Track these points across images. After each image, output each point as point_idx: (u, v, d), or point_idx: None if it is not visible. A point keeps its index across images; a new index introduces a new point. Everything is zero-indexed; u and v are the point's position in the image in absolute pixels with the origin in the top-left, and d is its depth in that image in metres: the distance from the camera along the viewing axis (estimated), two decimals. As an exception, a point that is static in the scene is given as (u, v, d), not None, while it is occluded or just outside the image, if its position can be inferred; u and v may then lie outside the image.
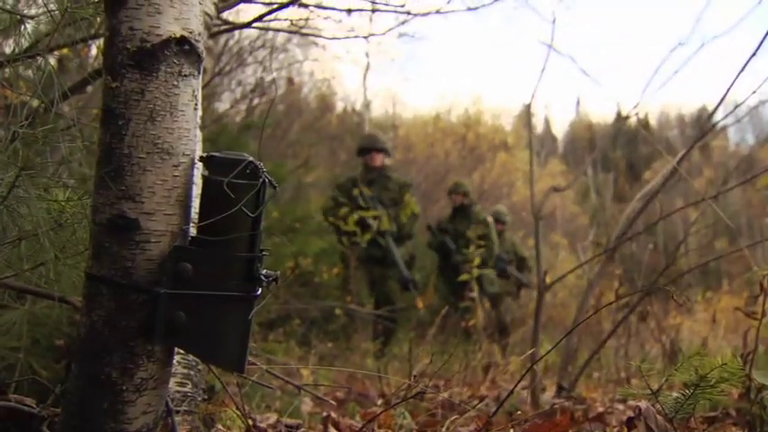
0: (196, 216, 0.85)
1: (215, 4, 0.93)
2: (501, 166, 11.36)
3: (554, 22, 2.99)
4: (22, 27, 1.18)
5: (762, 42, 2.12)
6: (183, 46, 0.82)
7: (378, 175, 5.82)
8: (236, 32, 5.54)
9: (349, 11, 2.25)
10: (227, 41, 6.18)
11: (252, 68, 6.83)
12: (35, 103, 1.23)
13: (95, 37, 1.33)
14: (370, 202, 5.60)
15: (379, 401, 2.37)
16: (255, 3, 1.68)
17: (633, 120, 3.25)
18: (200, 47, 0.85)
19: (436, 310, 4.98)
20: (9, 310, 1.47)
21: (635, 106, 2.99)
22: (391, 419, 1.74)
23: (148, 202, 0.80)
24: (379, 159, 5.85)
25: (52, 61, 1.34)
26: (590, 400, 2.61)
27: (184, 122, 0.83)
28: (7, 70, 1.21)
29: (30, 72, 1.18)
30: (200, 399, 1.19)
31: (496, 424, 1.72)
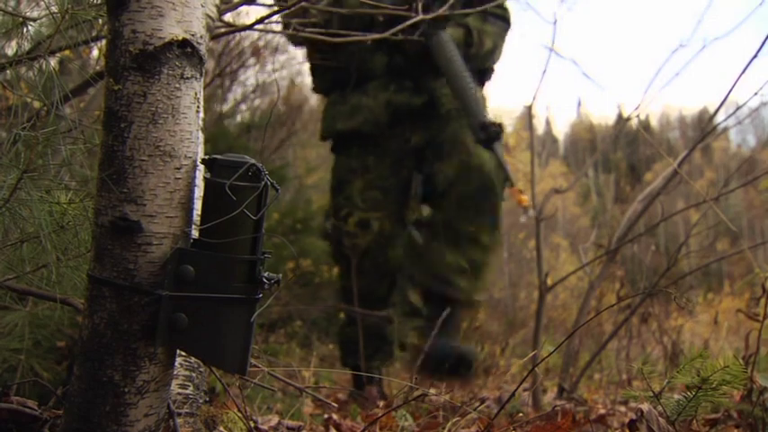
0: (198, 218, 0.85)
1: (217, 6, 0.93)
2: (502, 167, 11.35)
3: (555, 23, 3.00)
4: (24, 29, 1.18)
5: (763, 44, 2.12)
6: (185, 48, 0.82)
7: None
8: (237, 33, 5.54)
9: (351, 13, 2.25)
10: (227, 42, 6.19)
11: (253, 69, 6.84)
12: (37, 104, 1.23)
13: (97, 39, 1.33)
14: None
15: (381, 403, 2.37)
16: (257, 5, 1.68)
17: (634, 121, 3.26)
18: (202, 49, 0.85)
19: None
20: (11, 312, 1.47)
21: (636, 108, 2.99)
22: (393, 421, 1.74)
23: (150, 205, 0.81)
24: None
25: (54, 63, 1.34)
26: (591, 401, 2.61)
27: (186, 125, 0.83)
28: (9, 72, 1.21)
29: (31, 74, 1.19)
30: (201, 401, 1.19)
31: (498, 426, 1.72)
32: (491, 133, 2.61)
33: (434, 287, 2.56)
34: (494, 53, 2.88)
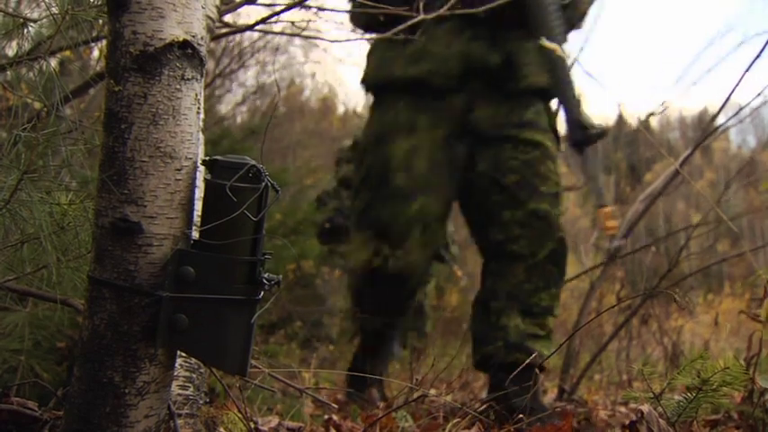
0: (198, 219, 0.85)
1: (217, 6, 0.93)
2: (502, 168, 11.33)
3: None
4: (25, 30, 1.18)
5: (766, 44, 2.12)
6: (186, 50, 0.82)
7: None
8: (238, 34, 5.54)
9: (351, 13, 2.24)
10: (227, 43, 6.19)
11: (253, 70, 6.84)
12: (37, 105, 1.23)
13: (97, 40, 1.33)
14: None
15: (381, 404, 2.36)
16: (257, 5, 1.68)
17: (634, 122, 3.26)
18: (203, 50, 0.85)
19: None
20: (11, 313, 1.47)
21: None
22: (393, 422, 1.73)
23: (151, 206, 0.80)
24: None
25: (54, 64, 1.34)
26: (592, 402, 2.60)
27: (187, 126, 0.83)
28: (9, 73, 1.21)
29: (32, 75, 1.19)
30: (201, 402, 1.19)
31: (498, 427, 1.72)
32: (591, 137, 2.08)
33: (504, 355, 2.14)
34: (584, 16, 2.34)
